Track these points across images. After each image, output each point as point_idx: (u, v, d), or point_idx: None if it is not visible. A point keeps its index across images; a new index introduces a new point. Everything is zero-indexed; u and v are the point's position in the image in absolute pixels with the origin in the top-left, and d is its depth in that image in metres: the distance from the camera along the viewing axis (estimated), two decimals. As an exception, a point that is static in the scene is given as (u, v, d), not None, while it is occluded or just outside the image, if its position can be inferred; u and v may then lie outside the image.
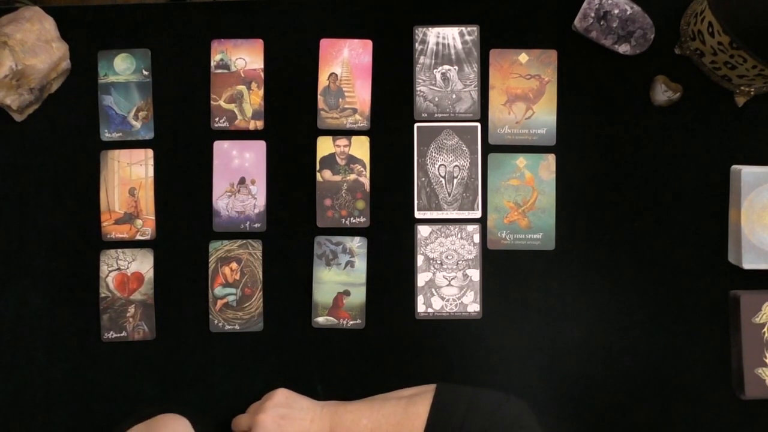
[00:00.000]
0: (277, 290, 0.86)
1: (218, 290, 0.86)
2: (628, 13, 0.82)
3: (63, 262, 0.86)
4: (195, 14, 0.88)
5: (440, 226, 0.86)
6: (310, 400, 0.79)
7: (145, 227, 0.86)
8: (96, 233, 0.86)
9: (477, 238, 0.86)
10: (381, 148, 0.86)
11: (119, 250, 0.86)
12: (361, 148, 0.86)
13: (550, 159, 0.86)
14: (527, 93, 0.86)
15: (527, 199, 0.86)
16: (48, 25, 0.84)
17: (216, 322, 0.85)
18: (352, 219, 0.86)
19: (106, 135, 0.87)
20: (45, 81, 0.84)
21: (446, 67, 0.86)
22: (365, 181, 0.86)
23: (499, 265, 0.86)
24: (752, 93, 0.83)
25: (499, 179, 0.86)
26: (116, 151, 0.86)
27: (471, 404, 0.72)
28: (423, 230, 0.86)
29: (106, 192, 0.86)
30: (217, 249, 0.86)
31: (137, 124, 0.87)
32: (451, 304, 0.85)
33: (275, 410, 0.76)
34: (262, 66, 0.87)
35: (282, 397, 0.78)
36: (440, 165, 0.86)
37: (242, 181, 0.86)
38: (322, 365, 0.86)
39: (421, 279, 0.86)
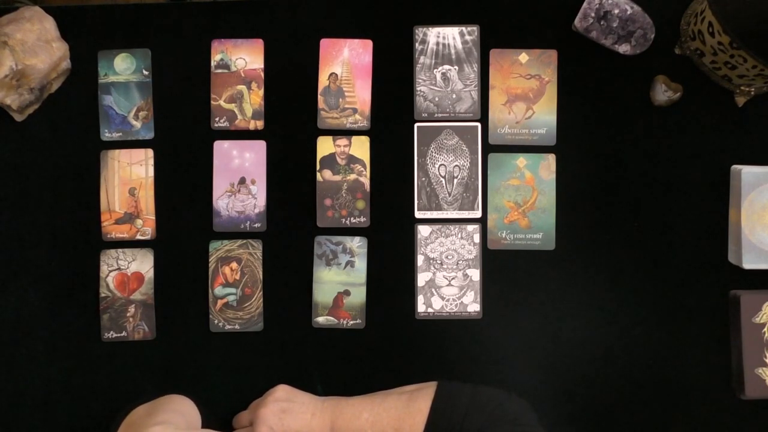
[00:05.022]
0: (277, 290, 0.86)
1: (218, 290, 0.85)
2: (628, 13, 0.82)
3: (63, 262, 0.86)
4: (195, 14, 0.88)
5: (440, 226, 0.86)
6: (311, 396, 0.80)
7: (145, 227, 0.86)
8: (96, 233, 0.86)
9: (477, 238, 0.86)
10: (381, 148, 0.86)
11: (119, 250, 0.86)
12: (361, 148, 0.86)
13: (550, 159, 0.86)
14: (527, 93, 0.86)
15: (527, 199, 0.86)
16: (48, 25, 0.84)
17: (216, 322, 0.85)
18: (352, 219, 0.86)
19: (106, 135, 0.87)
20: (45, 81, 0.84)
21: (446, 67, 0.86)
22: (365, 181, 0.86)
23: (499, 265, 0.86)
24: (752, 93, 0.83)
25: (500, 179, 0.86)
26: (116, 151, 0.86)
27: (472, 401, 0.72)
28: (423, 230, 0.86)
29: (106, 192, 0.86)
30: (217, 249, 0.86)
31: (137, 124, 0.87)
32: (451, 304, 0.85)
33: (276, 404, 0.76)
34: (262, 66, 0.87)
35: (283, 393, 0.78)
36: (440, 165, 0.86)
37: (242, 181, 0.86)
38: (322, 365, 0.86)
39: (421, 279, 0.86)
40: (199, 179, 0.86)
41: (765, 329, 0.82)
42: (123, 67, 0.87)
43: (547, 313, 0.85)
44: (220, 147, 0.86)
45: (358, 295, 0.85)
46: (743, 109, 0.85)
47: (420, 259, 0.86)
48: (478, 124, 0.86)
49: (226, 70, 0.87)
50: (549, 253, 0.86)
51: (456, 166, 0.86)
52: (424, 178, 0.86)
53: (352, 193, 0.86)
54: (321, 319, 0.86)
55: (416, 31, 0.87)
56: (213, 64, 0.87)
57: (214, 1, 0.88)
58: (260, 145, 0.86)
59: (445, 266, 0.86)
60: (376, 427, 0.74)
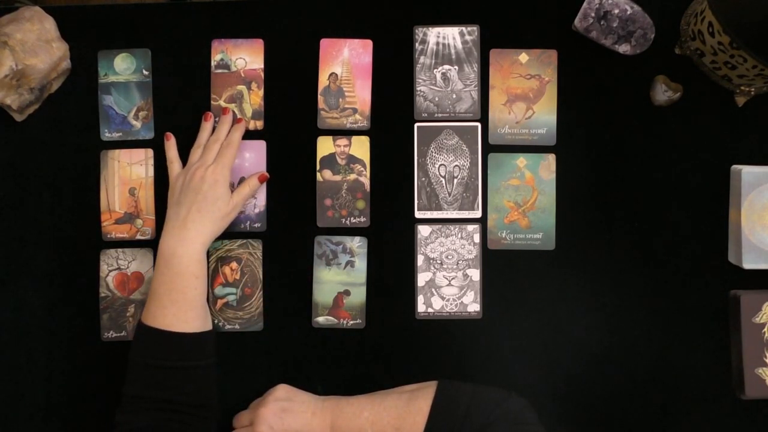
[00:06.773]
0: (277, 290, 0.86)
1: (218, 290, 0.86)
2: (629, 13, 0.82)
3: (63, 262, 0.86)
4: (195, 14, 0.88)
5: (440, 226, 0.86)
6: (311, 395, 0.80)
7: (145, 227, 0.86)
8: (96, 233, 0.86)
9: (477, 238, 0.86)
10: (381, 148, 0.86)
11: (119, 250, 0.86)
12: (361, 148, 0.86)
13: (550, 159, 0.86)
14: (527, 93, 0.86)
15: (527, 198, 0.86)
16: (48, 25, 0.84)
17: (216, 321, 0.85)
18: (352, 219, 0.86)
19: (106, 135, 0.87)
20: (45, 81, 0.84)
21: (446, 67, 0.86)
22: (365, 180, 0.86)
23: (499, 265, 0.86)
24: (752, 93, 0.83)
25: (500, 179, 0.86)
26: (116, 151, 0.86)
27: (473, 400, 0.72)
28: (423, 230, 0.86)
29: (106, 192, 0.86)
30: (217, 249, 0.86)
31: (137, 124, 0.87)
32: (451, 304, 0.85)
33: (276, 404, 0.77)
34: (262, 66, 0.87)
35: (283, 392, 0.79)
36: (440, 165, 0.86)
37: (242, 180, 0.86)
38: (322, 365, 0.86)
39: (421, 279, 0.86)
40: (199, 179, 0.86)
41: (765, 329, 0.82)
42: (123, 67, 0.87)
43: (547, 313, 0.85)
44: (220, 147, 0.86)
45: (358, 295, 0.85)
46: (743, 109, 0.85)
47: (420, 259, 0.86)
48: (478, 124, 0.86)
49: (226, 70, 0.87)
50: (549, 253, 0.86)
51: (456, 166, 0.86)
52: (424, 178, 0.86)
53: (352, 193, 0.86)
54: (321, 319, 0.86)
55: (416, 31, 0.87)
56: (213, 64, 0.87)
57: (214, 1, 0.88)
58: (260, 145, 0.86)
59: (445, 266, 0.86)
60: (376, 426, 0.74)
